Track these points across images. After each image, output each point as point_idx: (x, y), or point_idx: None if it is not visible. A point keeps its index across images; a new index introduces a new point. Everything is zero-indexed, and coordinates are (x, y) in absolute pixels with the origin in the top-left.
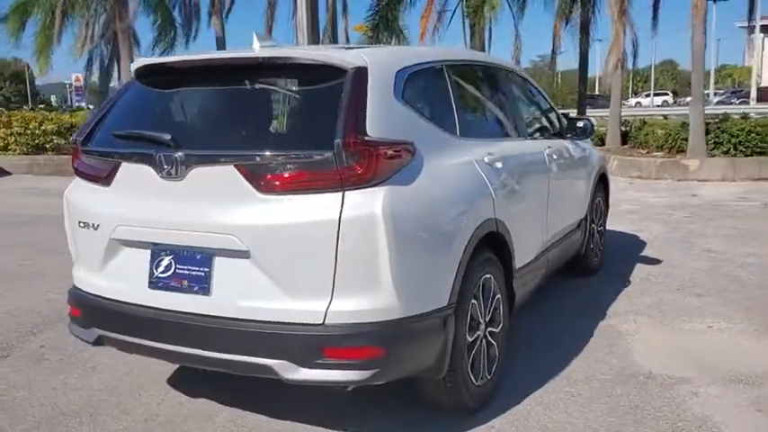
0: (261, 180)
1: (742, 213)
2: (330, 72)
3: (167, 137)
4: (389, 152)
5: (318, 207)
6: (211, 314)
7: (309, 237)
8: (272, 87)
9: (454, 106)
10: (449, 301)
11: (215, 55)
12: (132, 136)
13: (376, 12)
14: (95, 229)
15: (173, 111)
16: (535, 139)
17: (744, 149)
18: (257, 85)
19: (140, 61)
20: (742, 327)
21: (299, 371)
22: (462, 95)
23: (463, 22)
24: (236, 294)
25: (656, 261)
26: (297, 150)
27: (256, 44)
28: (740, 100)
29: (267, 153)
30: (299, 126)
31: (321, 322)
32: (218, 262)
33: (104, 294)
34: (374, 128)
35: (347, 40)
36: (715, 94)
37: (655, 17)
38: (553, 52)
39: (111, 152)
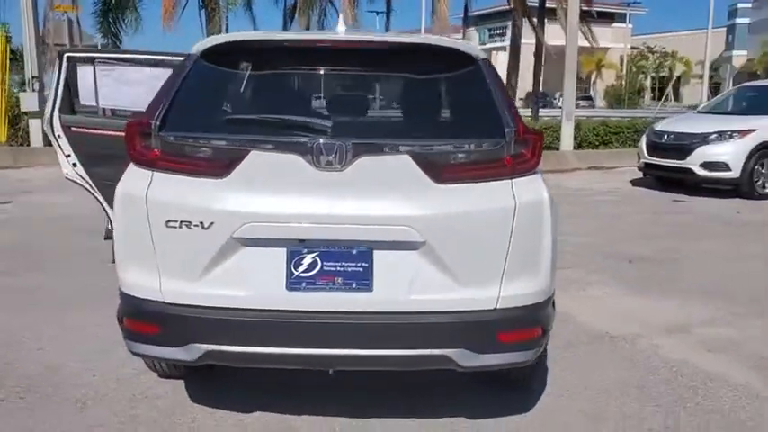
0: (437, 170)
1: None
2: (461, 60)
3: (327, 124)
4: (541, 139)
5: (494, 195)
6: (374, 310)
7: (486, 224)
8: (412, 74)
9: None
10: None
11: (347, 37)
12: (272, 122)
13: None
14: (205, 228)
15: (294, 95)
16: None
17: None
18: (394, 72)
19: (245, 35)
20: (623, 291)
21: (477, 357)
22: None
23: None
24: (403, 287)
25: None
26: (467, 139)
27: (341, 26)
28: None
29: (442, 143)
30: (456, 114)
31: (494, 307)
32: (379, 255)
33: (212, 304)
34: None
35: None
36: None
37: None
38: None
39: (235, 139)
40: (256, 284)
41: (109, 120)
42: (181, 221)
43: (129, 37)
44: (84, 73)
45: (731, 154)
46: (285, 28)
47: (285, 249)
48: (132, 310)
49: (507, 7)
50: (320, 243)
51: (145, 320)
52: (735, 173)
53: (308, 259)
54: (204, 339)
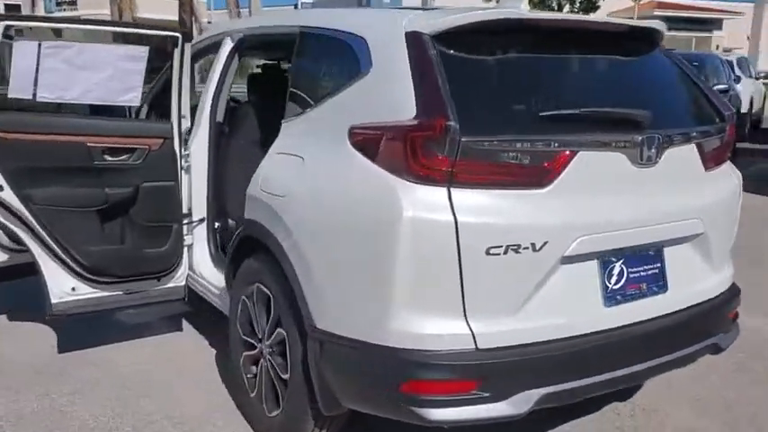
0: (707, 157)
1: None
2: (653, 42)
3: (645, 114)
4: None
5: (728, 177)
6: (670, 311)
7: (731, 207)
8: (651, 59)
9: None
10: None
11: (593, 19)
12: (587, 117)
13: None
14: (536, 250)
15: (559, 83)
16: None
17: None
18: (634, 56)
19: (491, 14)
20: None
21: (726, 337)
22: None
23: None
24: (688, 282)
25: None
26: (713, 124)
27: (525, 5)
28: None
29: (709, 129)
30: (690, 99)
31: (728, 287)
32: (668, 253)
33: (534, 339)
34: None
35: None
36: None
37: None
38: None
39: (559, 140)
40: (574, 307)
41: (55, 119)
42: (507, 246)
43: None
44: (23, 52)
45: None
46: None
47: (597, 261)
48: (428, 368)
49: None
50: (621, 250)
51: (451, 378)
52: None
53: (617, 269)
54: (533, 384)
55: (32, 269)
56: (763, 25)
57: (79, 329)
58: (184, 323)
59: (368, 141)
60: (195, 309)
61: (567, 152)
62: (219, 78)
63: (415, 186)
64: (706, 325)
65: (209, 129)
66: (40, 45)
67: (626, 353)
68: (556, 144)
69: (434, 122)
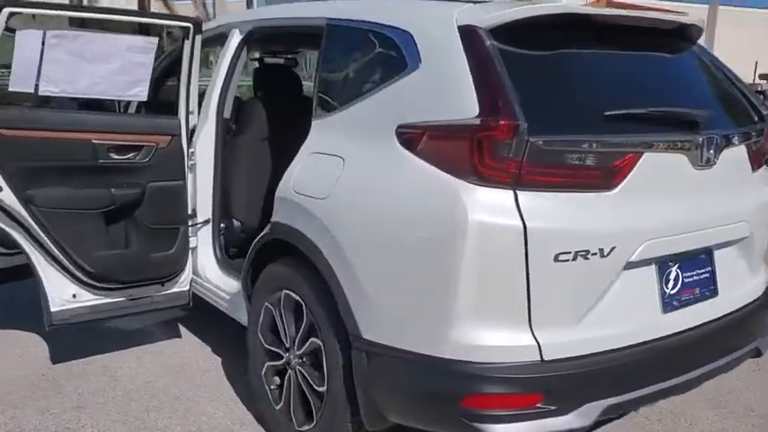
0: (753, 158)
1: None
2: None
3: (705, 114)
4: None
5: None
6: (720, 315)
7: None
8: (682, 55)
9: None
10: None
11: (644, 14)
12: (652, 117)
13: None
14: (604, 256)
15: (617, 81)
16: None
17: None
18: (677, 53)
19: (549, 8)
20: None
21: (765, 339)
22: None
23: None
24: (734, 285)
25: None
26: (755, 124)
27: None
28: None
29: (752, 129)
30: (728, 98)
31: (765, 290)
32: (717, 256)
33: (598, 349)
34: None
35: None
36: None
37: None
38: None
39: (627, 141)
40: (635, 315)
41: (59, 114)
42: (576, 252)
43: None
44: (26, 41)
45: None
46: None
47: (655, 266)
48: (492, 382)
49: None
50: (678, 254)
51: (517, 392)
52: None
53: (673, 273)
54: (598, 395)
55: (13, 275)
56: (717, 26)
57: (70, 337)
58: (182, 329)
59: (422, 141)
60: (190, 313)
61: (635, 153)
62: (227, 72)
63: (480, 189)
64: (749, 329)
65: (215, 125)
66: (44, 34)
67: (683, 360)
68: (624, 144)
69: (503, 122)
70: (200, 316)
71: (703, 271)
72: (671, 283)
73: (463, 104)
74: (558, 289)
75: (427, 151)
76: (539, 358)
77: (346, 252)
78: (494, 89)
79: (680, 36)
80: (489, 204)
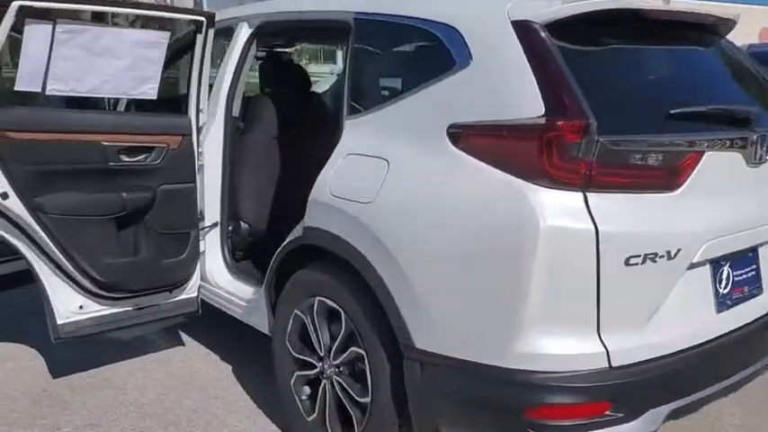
0: None
1: None
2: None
3: (757, 111)
4: None
5: None
6: (766, 312)
7: None
8: (721, 49)
9: None
10: None
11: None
12: (711, 114)
13: None
14: (671, 258)
15: (680, 75)
16: None
17: None
18: (718, 48)
19: (606, 3)
20: None
21: None
22: None
23: None
24: None
25: None
26: None
27: None
28: None
29: None
30: (764, 92)
31: None
32: (761, 254)
33: (660, 353)
34: None
35: None
36: None
37: None
38: None
39: (690, 139)
40: (693, 316)
41: (67, 114)
42: (645, 255)
43: None
44: (35, 36)
45: None
46: None
47: (709, 266)
48: (559, 391)
49: None
50: (730, 253)
51: (585, 401)
52: None
53: (725, 272)
54: (663, 400)
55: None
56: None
57: (64, 349)
58: (183, 336)
59: (482, 142)
60: (188, 318)
61: (698, 152)
62: (236, 68)
63: (549, 191)
64: None
65: (224, 124)
66: (54, 28)
67: (737, 358)
68: (689, 143)
69: (573, 121)
70: (200, 321)
71: (750, 269)
72: (723, 283)
73: (526, 103)
74: (626, 293)
75: (488, 152)
76: (607, 365)
77: (400, 262)
78: (559, 87)
79: (715, 31)
80: (560, 207)
